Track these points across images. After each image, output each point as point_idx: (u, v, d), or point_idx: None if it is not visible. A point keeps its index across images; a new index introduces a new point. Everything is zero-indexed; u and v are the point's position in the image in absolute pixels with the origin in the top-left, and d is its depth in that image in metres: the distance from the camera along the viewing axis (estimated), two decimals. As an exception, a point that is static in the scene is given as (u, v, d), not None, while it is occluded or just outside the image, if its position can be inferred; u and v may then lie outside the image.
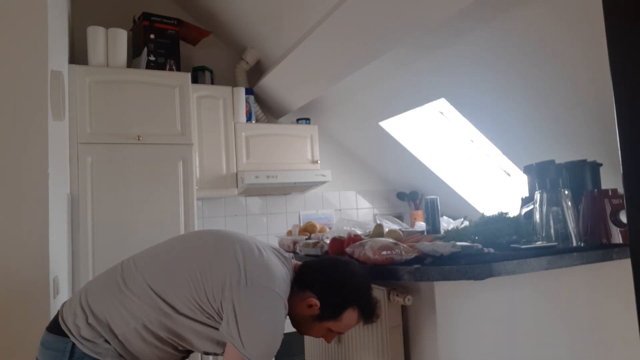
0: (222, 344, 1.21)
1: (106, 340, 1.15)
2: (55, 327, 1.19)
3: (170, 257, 1.25)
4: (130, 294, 1.18)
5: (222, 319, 1.17)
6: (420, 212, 3.71)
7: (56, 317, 1.22)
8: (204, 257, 1.22)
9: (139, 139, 2.68)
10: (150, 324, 1.16)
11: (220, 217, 3.41)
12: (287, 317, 1.24)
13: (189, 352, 1.28)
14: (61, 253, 2.00)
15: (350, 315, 1.24)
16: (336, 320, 1.24)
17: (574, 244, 1.36)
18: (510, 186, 3.24)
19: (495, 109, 2.61)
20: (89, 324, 1.15)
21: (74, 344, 1.14)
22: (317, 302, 1.22)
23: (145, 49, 2.88)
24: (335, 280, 1.25)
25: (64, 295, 1.96)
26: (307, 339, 1.86)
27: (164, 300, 1.17)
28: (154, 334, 1.17)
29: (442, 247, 1.22)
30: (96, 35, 2.70)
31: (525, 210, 1.54)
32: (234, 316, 1.13)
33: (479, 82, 2.46)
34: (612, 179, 1.79)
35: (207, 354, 1.27)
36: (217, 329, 1.19)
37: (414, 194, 3.81)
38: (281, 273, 1.22)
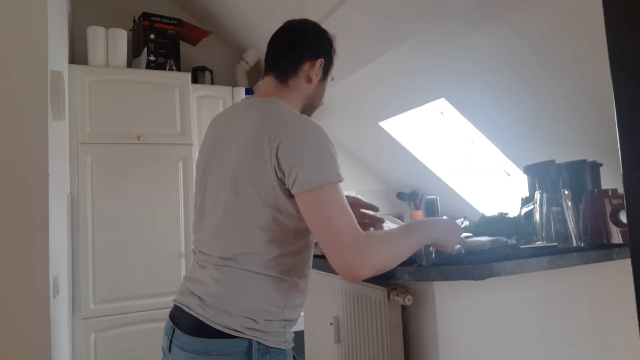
0: None
1: (282, 324, 1.07)
2: (212, 330, 1.04)
3: (219, 217, 1.11)
4: (246, 275, 1.07)
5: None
6: (420, 212, 3.71)
7: (201, 321, 1.06)
8: (232, 191, 1.08)
9: (139, 139, 2.69)
10: (280, 258, 1.07)
11: (220, 217, 3.41)
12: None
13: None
14: (61, 253, 2.00)
15: (332, 55, 1.28)
16: (332, 63, 1.27)
17: (574, 244, 1.36)
18: (510, 186, 3.24)
19: (495, 109, 2.61)
20: (259, 323, 1.05)
21: (258, 341, 1.04)
22: (321, 60, 1.21)
23: (145, 49, 2.88)
24: (315, 33, 1.26)
25: (64, 295, 1.96)
26: (307, 339, 1.86)
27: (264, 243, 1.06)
28: (288, 257, 1.08)
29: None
30: (96, 35, 2.71)
31: (525, 210, 1.54)
32: (290, 171, 1.01)
33: (479, 82, 2.46)
34: (612, 179, 1.79)
35: None
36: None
37: (414, 194, 3.81)
38: (273, 101, 1.14)
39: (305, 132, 1.05)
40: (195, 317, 1.06)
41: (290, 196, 1.04)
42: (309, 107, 1.25)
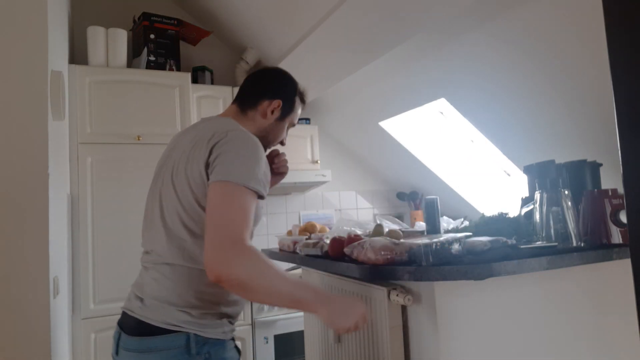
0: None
1: (216, 313, 1.14)
2: (152, 329, 1.11)
3: (154, 214, 1.24)
4: (173, 267, 1.15)
5: None
6: (420, 212, 3.71)
7: (141, 321, 1.13)
8: (171, 185, 1.19)
9: (139, 139, 2.69)
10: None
11: (220, 217, 3.41)
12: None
13: None
14: (61, 253, 2.00)
15: (298, 102, 1.42)
16: (293, 110, 1.40)
17: (574, 244, 1.36)
18: (510, 186, 3.24)
19: (495, 109, 2.61)
20: (195, 317, 1.12)
21: (195, 334, 1.10)
22: (279, 101, 1.35)
23: (145, 49, 2.88)
24: (281, 79, 1.40)
25: (64, 295, 1.96)
26: (307, 339, 1.86)
27: (185, 239, 1.14)
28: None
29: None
30: (96, 35, 2.71)
31: (525, 210, 1.54)
32: (217, 163, 1.09)
33: (479, 82, 2.46)
34: (612, 179, 1.79)
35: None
36: None
37: (414, 194, 3.81)
38: (227, 119, 1.27)
39: (244, 138, 1.16)
40: (136, 318, 1.13)
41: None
42: (263, 140, 1.33)
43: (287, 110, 1.38)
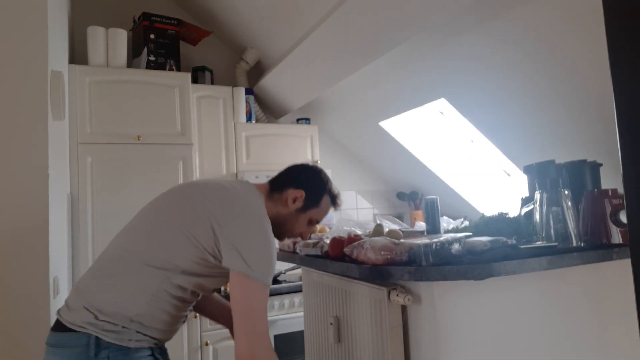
0: (223, 280, 1.30)
1: (124, 327, 1.17)
2: (66, 327, 1.18)
3: (154, 229, 1.28)
4: (128, 277, 1.21)
5: (220, 261, 1.22)
6: (420, 212, 3.71)
7: (59, 321, 1.22)
8: (183, 216, 1.26)
9: (139, 139, 2.68)
10: (159, 292, 1.20)
11: (220, 217, 3.41)
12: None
13: (198, 295, 1.34)
14: (61, 253, 2.01)
15: (326, 200, 1.45)
16: (318, 206, 1.43)
17: (574, 244, 1.36)
18: (510, 186, 3.24)
19: (495, 109, 2.61)
20: (100, 320, 1.16)
21: (97, 337, 1.15)
22: (302, 192, 1.39)
23: (145, 49, 2.88)
24: (310, 173, 1.47)
25: (63, 295, 1.96)
26: (307, 339, 1.86)
27: (163, 268, 1.20)
28: (164, 299, 1.21)
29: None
30: (96, 35, 2.71)
31: (525, 210, 1.54)
32: (232, 247, 1.20)
33: (479, 82, 2.46)
34: (612, 179, 1.79)
35: (217, 291, 1.38)
36: (220, 270, 1.24)
37: (414, 194, 3.81)
38: (253, 194, 1.33)
39: (260, 222, 1.26)
40: (57, 317, 1.23)
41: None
42: (279, 228, 1.40)
43: (310, 204, 1.42)
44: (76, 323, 1.17)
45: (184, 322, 1.35)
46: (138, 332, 1.19)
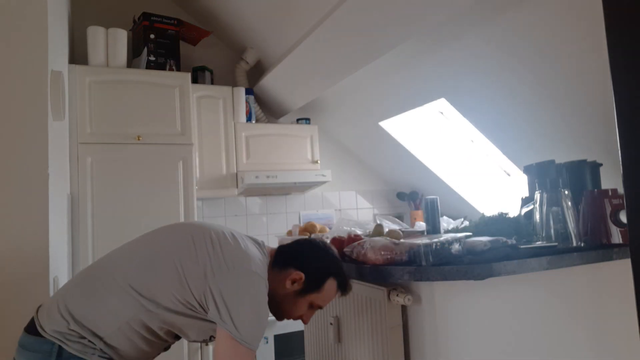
0: (205, 332, 1.25)
1: (91, 341, 1.16)
2: (36, 329, 1.18)
3: (148, 254, 1.27)
4: (110, 295, 1.19)
5: (204, 310, 1.19)
6: (420, 212, 3.71)
7: (33, 320, 1.21)
8: (181, 250, 1.23)
9: (139, 139, 2.68)
10: (133, 322, 1.18)
11: (220, 217, 3.41)
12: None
13: (176, 337, 1.30)
14: (61, 253, 2.00)
15: (331, 285, 1.32)
16: (319, 291, 1.31)
17: (574, 244, 1.36)
18: (510, 186, 3.24)
19: (495, 108, 2.61)
20: (71, 330, 1.15)
21: (60, 346, 1.14)
22: (302, 275, 1.28)
23: (145, 49, 2.88)
24: (315, 253, 1.35)
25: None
26: (307, 339, 1.86)
27: (145, 297, 1.18)
28: (136, 331, 1.19)
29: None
30: (96, 35, 2.70)
31: (525, 210, 1.54)
32: (222, 302, 1.16)
33: (479, 82, 2.46)
34: (612, 179, 1.79)
35: (194, 341, 1.31)
36: (202, 318, 1.21)
37: (414, 194, 3.81)
38: (257, 255, 1.27)
39: (258, 290, 1.21)
40: (33, 317, 1.23)
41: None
42: (276, 307, 1.33)
43: (310, 287, 1.30)
44: (45, 328, 1.16)
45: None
46: (103, 351, 1.17)
